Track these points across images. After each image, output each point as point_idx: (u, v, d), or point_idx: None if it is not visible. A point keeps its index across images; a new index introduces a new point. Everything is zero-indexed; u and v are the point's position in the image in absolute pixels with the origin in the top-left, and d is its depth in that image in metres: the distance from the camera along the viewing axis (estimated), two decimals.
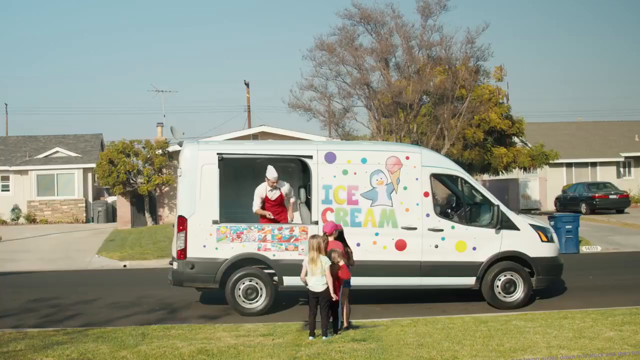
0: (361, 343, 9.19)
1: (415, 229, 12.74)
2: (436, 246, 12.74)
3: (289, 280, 12.37)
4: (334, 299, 9.76)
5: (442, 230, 12.81)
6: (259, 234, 12.57)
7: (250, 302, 12.54)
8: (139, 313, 12.84)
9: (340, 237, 10.54)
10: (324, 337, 9.56)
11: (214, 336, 9.86)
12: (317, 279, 9.68)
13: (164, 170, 30.81)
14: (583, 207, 35.48)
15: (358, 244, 12.32)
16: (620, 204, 35.67)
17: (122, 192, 30.72)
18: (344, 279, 10.19)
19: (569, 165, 43.60)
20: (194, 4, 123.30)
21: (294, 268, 11.54)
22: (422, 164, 12.99)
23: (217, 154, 12.79)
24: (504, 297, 12.89)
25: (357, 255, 11.63)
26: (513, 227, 13.04)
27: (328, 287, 9.68)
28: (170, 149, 31.15)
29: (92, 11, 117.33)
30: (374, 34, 28.67)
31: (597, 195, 35.68)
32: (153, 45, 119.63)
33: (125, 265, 20.57)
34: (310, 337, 9.56)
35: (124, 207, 31.27)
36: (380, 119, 28.86)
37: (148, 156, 30.94)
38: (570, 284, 14.84)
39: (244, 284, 12.55)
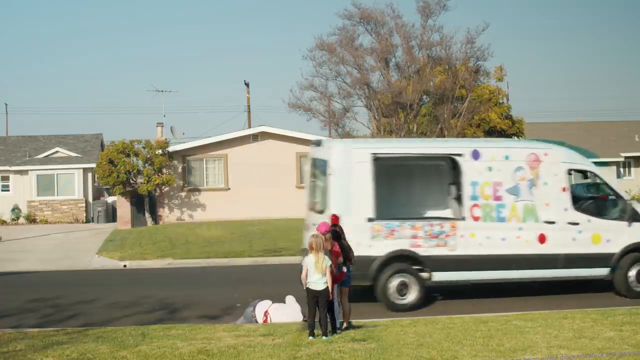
0: (361, 343, 9.18)
1: (554, 222, 13.32)
2: (573, 239, 13.38)
3: (438, 276, 12.97)
4: (330, 299, 9.77)
5: (578, 223, 13.41)
6: (411, 230, 12.90)
7: (402, 297, 12.85)
8: (139, 313, 12.84)
9: (336, 236, 10.51)
10: (324, 337, 9.55)
11: (214, 336, 9.86)
12: (318, 278, 9.67)
13: (164, 170, 30.79)
14: None
15: (503, 239, 13.03)
16: None
17: (122, 192, 30.69)
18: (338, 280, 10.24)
19: None
20: (194, 4, 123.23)
21: (444, 263, 12.79)
22: (559, 160, 13.64)
23: (372, 153, 13.04)
24: (636, 286, 13.52)
25: (503, 249, 12.81)
26: None
27: (328, 287, 9.69)
28: (170, 149, 31.15)
29: (92, 11, 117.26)
30: (374, 34, 28.72)
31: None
32: (153, 45, 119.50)
33: (125, 265, 20.56)
34: (310, 337, 9.55)
35: (124, 207, 31.25)
36: (380, 119, 28.89)
37: (148, 156, 30.91)
38: (570, 283, 14.82)
39: (395, 280, 12.83)
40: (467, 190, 13.17)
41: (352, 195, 12.81)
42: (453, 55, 28.59)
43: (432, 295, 13.71)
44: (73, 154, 38.07)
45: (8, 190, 36.95)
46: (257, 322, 11.38)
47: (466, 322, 10.71)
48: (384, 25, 28.55)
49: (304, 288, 9.86)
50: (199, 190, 31.42)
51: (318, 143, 14.24)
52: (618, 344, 8.96)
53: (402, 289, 12.83)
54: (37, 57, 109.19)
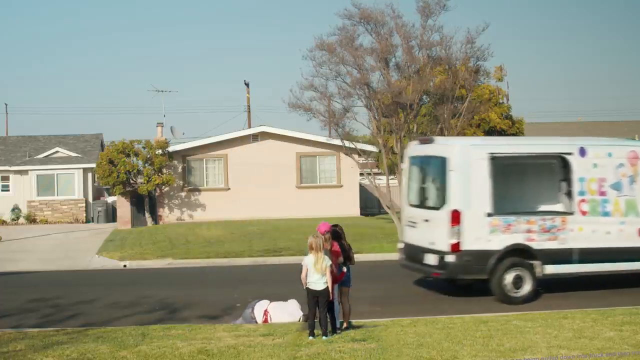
0: (361, 343, 9.18)
1: None
2: None
3: (551, 269, 13.45)
4: (330, 299, 9.77)
5: None
6: (526, 225, 13.39)
7: (516, 291, 13.26)
8: (139, 313, 12.84)
9: (337, 236, 10.51)
10: (323, 337, 9.55)
11: (214, 336, 9.86)
12: (318, 278, 9.67)
13: (164, 170, 30.80)
14: None
15: (608, 232, 13.88)
16: None
17: (122, 192, 30.70)
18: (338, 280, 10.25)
19: None
20: (194, 4, 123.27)
21: (555, 257, 13.39)
22: None
23: (489, 152, 13.49)
24: None
25: (607, 243, 13.65)
26: None
27: (328, 287, 9.68)
28: (170, 148, 31.14)
29: (92, 11, 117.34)
30: (374, 34, 28.59)
31: None
32: (153, 45, 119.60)
33: (125, 265, 20.56)
34: (310, 337, 9.55)
35: (124, 207, 31.27)
36: (380, 119, 28.82)
37: (148, 156, 30.93)
38: (570, 283, 14.84)
39: (511, 273, 13.23)
40: (575, 186, 13.78)
41: (472, 192, 13.25)
42: (453, 55, 28.44)
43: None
44: (73, 154, 38.08)
45: (8, 190, 36.96)
46: (256, 322, 11.38)
47: (466, 322, 10.71)
48: (384, 25, 28.40)
49: (304, 288, 9.87)
50: (199, 190, 31.43)
51: (429, 141, 14.71)
52: (618, 344, 8.97)
53: (517, 282, 13.25)
54: (37, 57, 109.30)
